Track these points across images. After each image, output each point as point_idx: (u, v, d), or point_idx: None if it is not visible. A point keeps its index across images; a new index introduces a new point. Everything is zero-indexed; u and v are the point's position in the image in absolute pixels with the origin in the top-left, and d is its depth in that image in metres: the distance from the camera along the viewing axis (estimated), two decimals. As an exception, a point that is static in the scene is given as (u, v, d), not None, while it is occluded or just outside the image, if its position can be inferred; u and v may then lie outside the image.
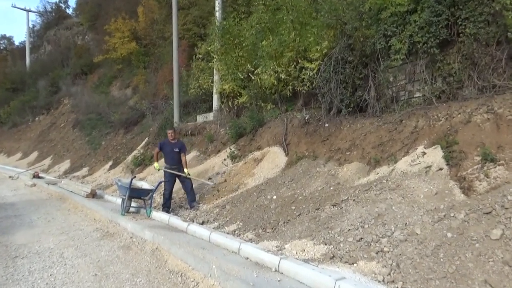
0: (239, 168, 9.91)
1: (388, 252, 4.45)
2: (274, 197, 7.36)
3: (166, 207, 8.76)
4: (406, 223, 4.84)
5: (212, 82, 14.39)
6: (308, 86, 9.93)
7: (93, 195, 10.79)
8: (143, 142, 16.06)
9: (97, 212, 9.15)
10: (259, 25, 10.63)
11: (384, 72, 8.04)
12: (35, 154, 25.50)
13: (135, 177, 8.49)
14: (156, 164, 9.03)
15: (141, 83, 23.06)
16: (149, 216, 8.07)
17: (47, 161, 22.77)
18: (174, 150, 9.01)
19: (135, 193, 8.19)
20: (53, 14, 42.59)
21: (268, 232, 6.07)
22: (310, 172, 7.83)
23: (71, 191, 11.76)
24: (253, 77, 10.74)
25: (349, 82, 8.71)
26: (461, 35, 6.76)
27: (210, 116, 13.81)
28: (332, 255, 4.68)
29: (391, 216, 5.08)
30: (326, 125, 8.95)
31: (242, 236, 6.23)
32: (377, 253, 4.50)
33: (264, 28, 10.50)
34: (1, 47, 50.09)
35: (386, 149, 7.07)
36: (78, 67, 31.24)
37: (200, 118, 14.28)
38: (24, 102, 32.25)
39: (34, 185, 14.87)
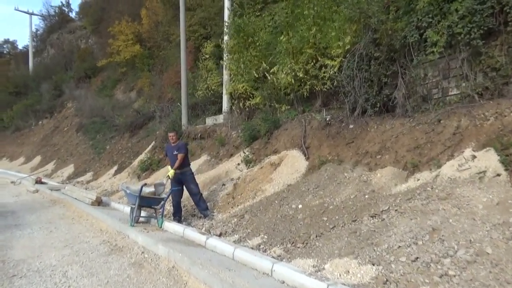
0: (255, 173, 9.12)
1: (455, 276, 3.67)
2: (300, 206, 6.57)
3: (177, 216, 7.98)
4: (470, 240, 4.05)
5: (221, 83, 13.63)
6: (328, 85, 9.18)
7: (98, 202, 10.01)
8: (150, 146, 15.29)
9: (103, 222, 8.37)
10: (278, 21, 9.84)
11: (417, 68, 7.26)
12: (38, 159, 24.73)
13: (145, 184, 7.69)
14: (170, 171, 7.98)
15: (145, 86, 22.33)
16: (160, 227, 7.29)
17: (50, 166, 22.00)
18: (174, 153, 8.20)
19: (146, 202, 7.41)
20: (56, 18, 41.87)
21: (299, 247, 5.29)
22: (337, 178, 7.04)
23: (75, 198, 10.97)
24: (269, 76, 9.96)
25: (375, 79, 7.96)
26: (510, 23, 5.98)
27: (220, 118, 13.04)
28: (385, 279, 3.89)
29: (449, 231, 4.29)
30: (351, 126, 8.17)
31: (269, 251, 5.45)
32: (441, 277, 3.72)
33: (283, 23, 9.71)
34: (4, 51, 49.35)
35: (425, 152, 6.28)
36: (82, 70, 30.51)
37: (209, 121, 13.50)
38: (27, 106, 31.49)
39: (37, 191, 14.10)
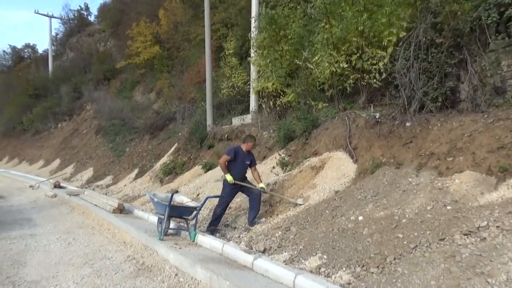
0: (294, 177, 8.00)
1: None
2: (360, 217, 5.41)
3: (213, 226, 6.89)
4: None
5: (247, 80, 12.56)
6: (377, 79, 8.02)
7: (120, 210, 8.97)
8: (172, 149, 14.25)
9: (127, 233, 7.31)
10: (316, 9, 8.69)
11: (493, 54, 6.06)
12: (57, 162, 23.95)
13: (177, 191, 6.62)
14: (229, 177, 6.87)
15: (165, 87, 21.39)
16: (193, 241, 6.19)
17: (69, 169, 21.16)
18: (246, 162, 7.17)
19: (176, 212, 6.33)
20: (76, 21, 41.32)
21: (373, 273, 4.14)
22: (399, 184, 5.87)
23: (95, 205, 9.97)
24: (311, 66, 8.80)
25: (436, 70, 6.78)
26: None
27: (248, 118, 11.95)
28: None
29: None
30: (408, 124, 6.99)
31: (333, 276, 4.32)
32: None
33: (322, 10, 8.54)
34: (25, 56, 49.01)
35: (514, 153, 5.08)
36: (101, 72, 29.74)
37: (236, 121, 12.42)
38: (47, 108, 30.80)
39: (55, 196, 13.17)
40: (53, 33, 43.02)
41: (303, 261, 4.87)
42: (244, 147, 7.16)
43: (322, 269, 4.52)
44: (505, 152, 5.21)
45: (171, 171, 12.43)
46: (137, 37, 24.14)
